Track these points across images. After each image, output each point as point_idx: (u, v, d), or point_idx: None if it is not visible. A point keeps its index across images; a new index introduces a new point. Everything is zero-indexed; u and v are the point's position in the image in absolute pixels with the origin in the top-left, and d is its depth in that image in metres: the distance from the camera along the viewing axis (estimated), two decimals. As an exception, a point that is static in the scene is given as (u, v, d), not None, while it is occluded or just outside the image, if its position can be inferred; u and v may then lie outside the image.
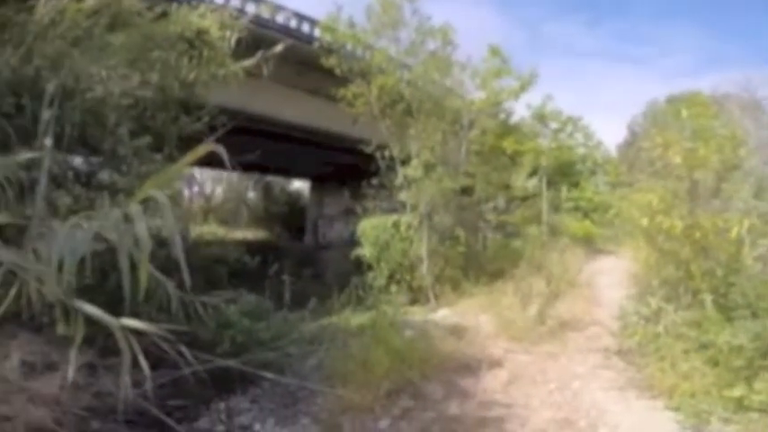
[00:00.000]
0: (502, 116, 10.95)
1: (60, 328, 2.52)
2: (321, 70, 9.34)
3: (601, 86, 55.81)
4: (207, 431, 4.06)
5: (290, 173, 17.41)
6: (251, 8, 9.54)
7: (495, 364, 5.46)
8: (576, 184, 13.17)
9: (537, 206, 11.52)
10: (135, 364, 3.60)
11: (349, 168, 15.44)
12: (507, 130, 10.99)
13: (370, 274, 9.72)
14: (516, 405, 4.55)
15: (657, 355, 5.00)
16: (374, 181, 9.41)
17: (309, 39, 10.47)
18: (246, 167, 6.91)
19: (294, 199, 19.52)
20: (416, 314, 7.61)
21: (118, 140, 3.96)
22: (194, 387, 3.96)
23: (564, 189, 12.81)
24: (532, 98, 15.10)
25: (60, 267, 2.43)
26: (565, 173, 13.02)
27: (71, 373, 2.54)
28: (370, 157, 9.51)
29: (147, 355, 2.68)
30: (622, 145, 22.85)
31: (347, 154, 13.79)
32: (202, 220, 19.18)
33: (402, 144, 9.18)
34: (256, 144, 6.48)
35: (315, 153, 13.93)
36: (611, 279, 9.98)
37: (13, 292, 2.67)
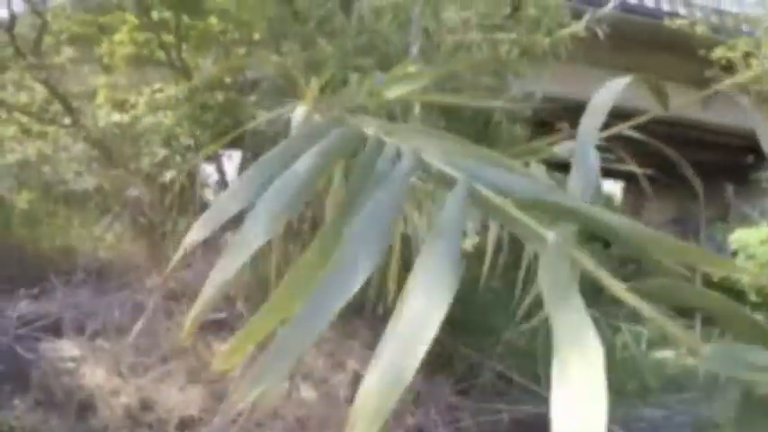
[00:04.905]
0: None
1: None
2: (645, 43, 7.32)
3: None
4: None
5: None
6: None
7: None
8: None
9: None
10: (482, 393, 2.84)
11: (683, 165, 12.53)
12: None
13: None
14: None
15: None
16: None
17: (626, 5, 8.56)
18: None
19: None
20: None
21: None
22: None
23: None
24: None
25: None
26: None
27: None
28: (726, 151, 6.97)
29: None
30: None
31: (682, 146, 11.11)
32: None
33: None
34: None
35: (632, 144, 11.60)
36: None
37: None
